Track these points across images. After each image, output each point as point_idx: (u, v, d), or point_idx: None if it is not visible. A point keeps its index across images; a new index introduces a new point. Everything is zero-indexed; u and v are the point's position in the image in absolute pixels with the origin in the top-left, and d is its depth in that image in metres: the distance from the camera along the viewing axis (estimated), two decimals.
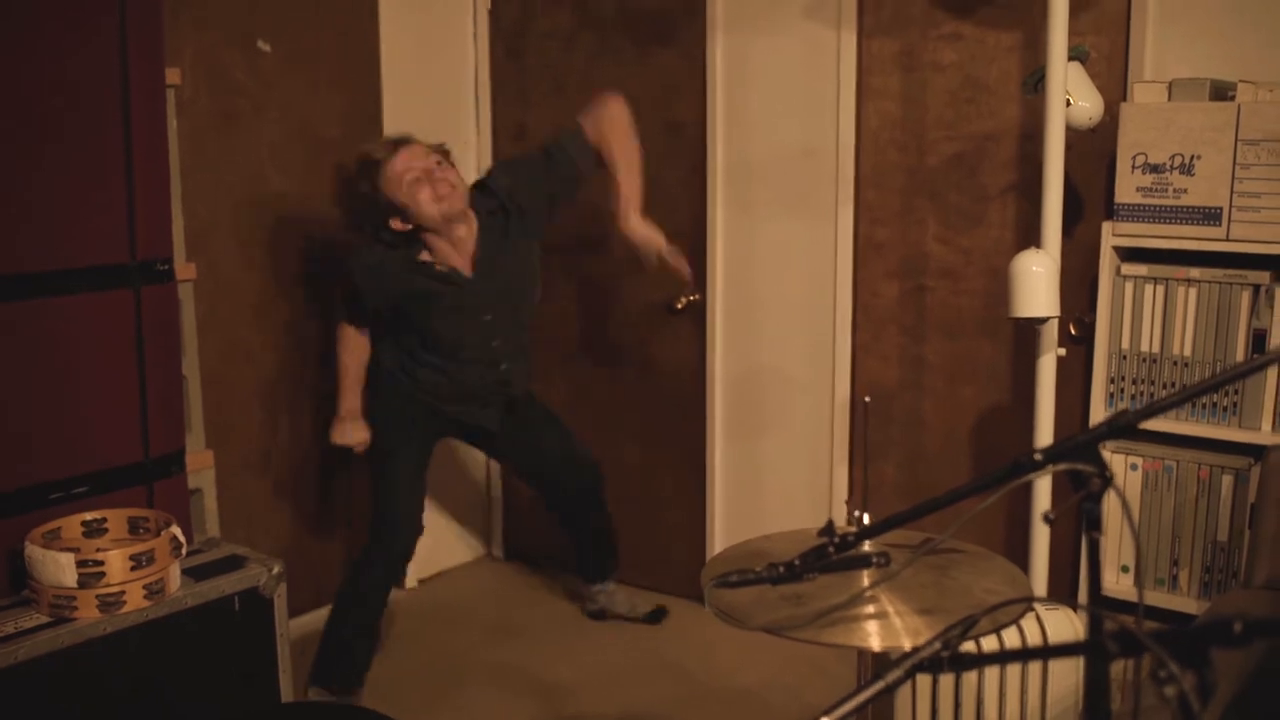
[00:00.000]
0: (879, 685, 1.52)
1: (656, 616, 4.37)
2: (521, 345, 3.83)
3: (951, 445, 3.92)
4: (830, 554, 1.85)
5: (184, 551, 2.97)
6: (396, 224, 3.54)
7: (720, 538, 4.40)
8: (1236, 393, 3.12)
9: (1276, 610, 2.78)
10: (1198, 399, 3.17)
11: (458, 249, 3.62)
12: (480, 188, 3.70)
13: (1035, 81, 3.11)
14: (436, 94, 4.69)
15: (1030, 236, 3.14)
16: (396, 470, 3.81)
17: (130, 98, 3.09)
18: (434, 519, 4.78)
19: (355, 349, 3.82)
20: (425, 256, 3.62)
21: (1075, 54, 3.08)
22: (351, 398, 3.84)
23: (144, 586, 2.80)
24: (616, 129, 3.65)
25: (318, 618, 4.33)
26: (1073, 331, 3.55)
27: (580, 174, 3.69)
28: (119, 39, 3.06)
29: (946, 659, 1.55)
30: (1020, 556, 3.22)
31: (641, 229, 3.62)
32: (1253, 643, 1.33)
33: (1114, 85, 3.40)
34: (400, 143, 3.55)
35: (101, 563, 2.74)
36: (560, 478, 4.15)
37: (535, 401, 4.03)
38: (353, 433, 3.81)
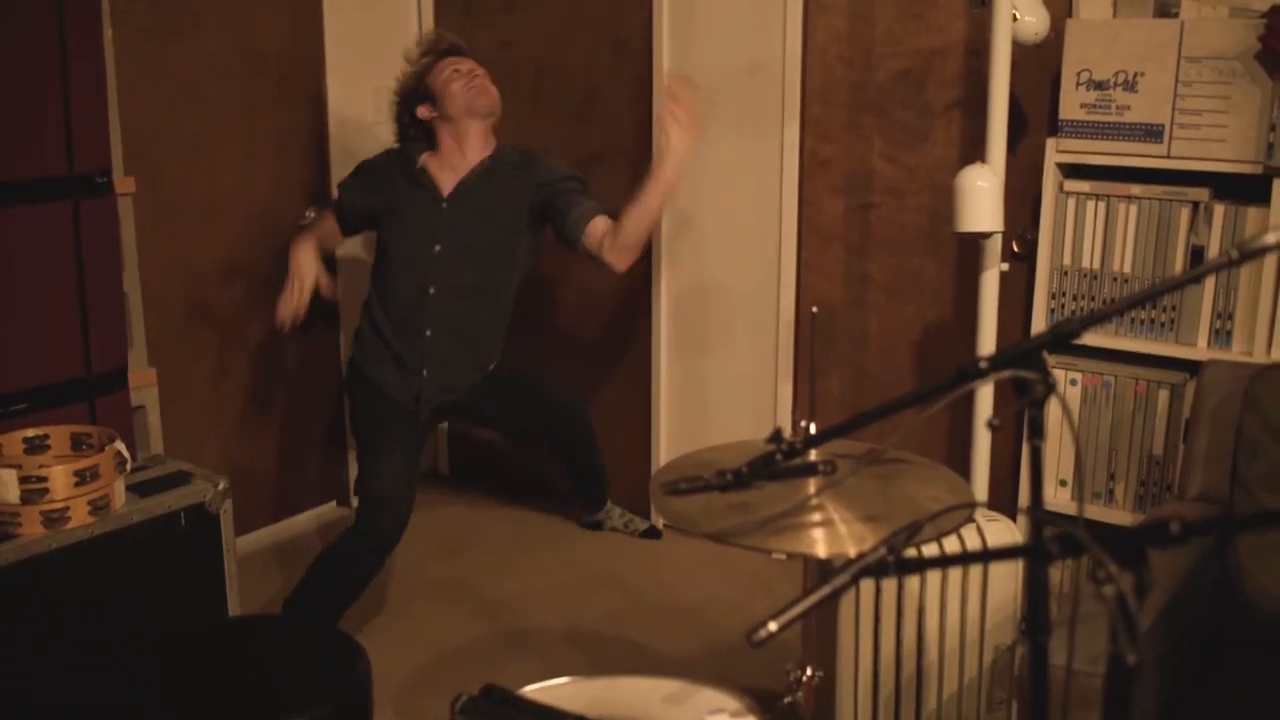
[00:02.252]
0: (825, 590, 1.54)
1: (652, 533, 4.44)
2: (459, 327, 3.81)
3: (895, 361, 3.95)
4: (778, 462, 1.87)
5: (128, 468, 2.96)
6: (424, 110, 3.78)
7: (666, 455, 4.43)
8: (1174, 309, 3.17)
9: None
10: (1133, 314, 3.21)
11: (453, 169, 3.79)
12: (522, 152, 3.88)
13: None
14: (378, 7, 4.62)
15: (975, 153, 3.16)
16: (380, 433, 3.72)
17: (64, 6, 3.03)
18: None
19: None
20: (421, 162, 3.81)
21: None
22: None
23: (89, 502, 2.79)
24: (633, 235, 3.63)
25: (262, 535, 4.35)
26: (1015, 248, 3.58)
27: (562, 221, 3.75)
28: None
29: (892, 563, 1.57)
30: (961, 468, 3.27)
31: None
32: (1188, 543, 1.37)
33: (1060, 1, 3.40)
34: (458, 46, 3.91)
35: (45, 479, 2.72)
36: (543, 427, 4.17)
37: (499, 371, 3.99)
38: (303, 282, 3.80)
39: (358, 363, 3.87)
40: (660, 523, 4.46)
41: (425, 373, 3.77)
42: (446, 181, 3.77)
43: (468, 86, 3.73)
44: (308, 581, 3.50)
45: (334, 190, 4.44)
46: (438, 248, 3.73)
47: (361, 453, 3.72)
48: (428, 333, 3.76)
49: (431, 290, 3.74)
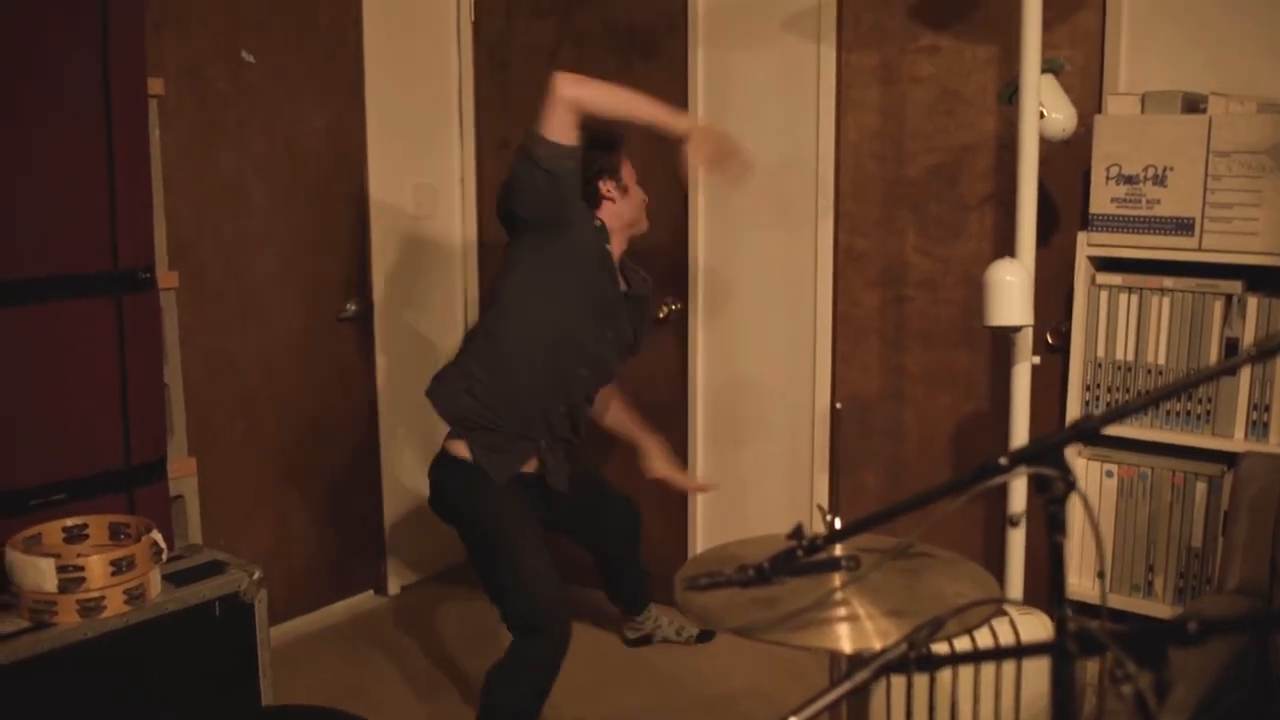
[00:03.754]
0: (847, 685, 1.54)
1: (706, 637, 4.29)
2: (591, 400, 3.69)
3: (931, 454, 3.95)
4: (799, 557, 1.87)
5: (164, 557, 2.99)
6: (607, 185, 3.49)
7: (702, 545, 4.42)
8: (1210, 400, 3.16)
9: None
10: (1169, 406, 3.20)
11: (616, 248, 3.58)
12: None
13: (1009, 93, 3.15)
14: (420, 106, 4.72)
15: (1008, 246, 3.17)
16: (520, 545, 3.39)
17: (112, 106, 3.12)
18: (417, 526, 4.80)
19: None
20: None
21: (1050, 66, 3.11)
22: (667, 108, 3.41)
23: (124, 591, 2.82)
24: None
25: (297, 625, 4.36)
26: (1050, 340, 3.59)
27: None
28: (100, 48, 3.09)
29: (914, 659, 1.57)
30: (997, 561, 3.25)
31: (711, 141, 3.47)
32: (1208, 642, 1.36)
33: (1089, 97, 3.44)
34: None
35: (82, 568, 2.75)
36: (609, 530, 4.02)
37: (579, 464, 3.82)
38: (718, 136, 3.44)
39: (473, 455, 3.46)
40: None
41: (552, 455, 3.57)
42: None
43: (643, 203, 3.58)
44: (490, 704, 3.31)
45: (374, 291, 4.51)
46: (610, 334, 3.57)
47: (499, 564, 3.38)
48: (578, 400, 3.58)
49: (585, 373, 3.56)
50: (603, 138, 3.45)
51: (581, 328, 3.48)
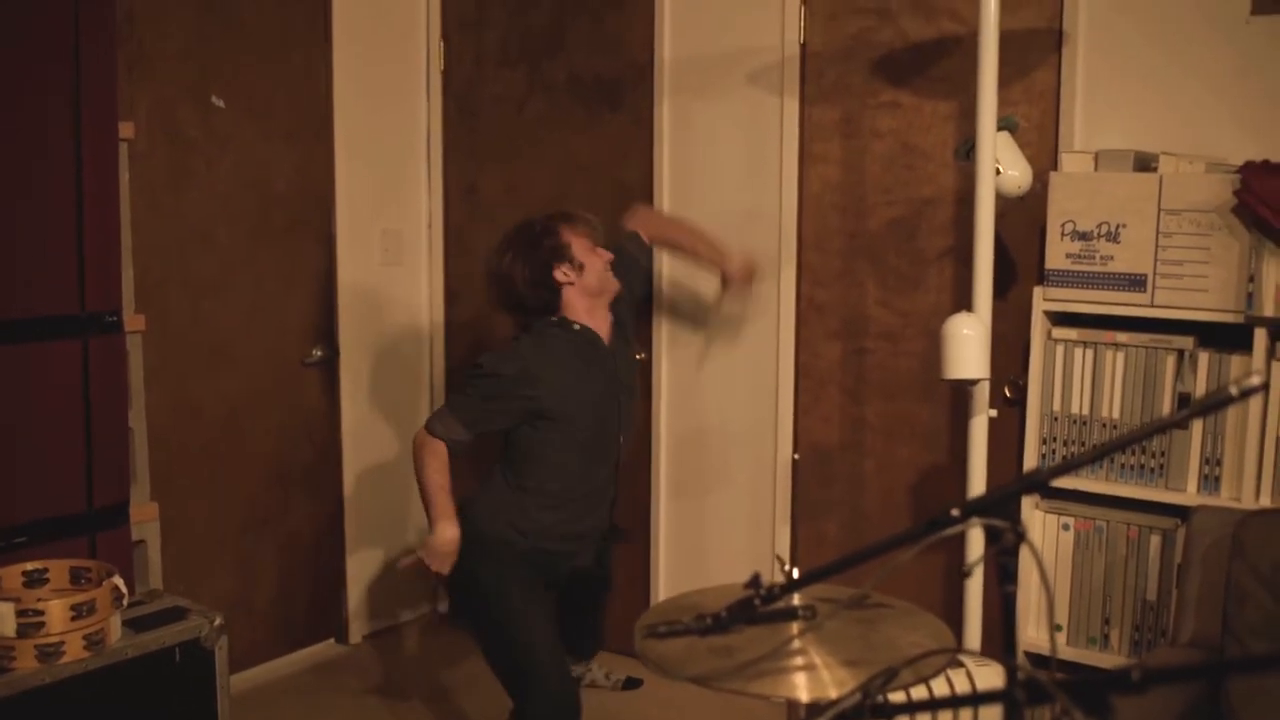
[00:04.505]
0: None
1: (633, 684, 4.32)
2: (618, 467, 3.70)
3: (891, 504, 3.98)
4: (756, 606, 1.89)
5: (125, 602, 2.98)
6: (562, 272, 3.46)
7: (664, 594, 4.43)
8: (1163, 454, 3.21)
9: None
10: (1124, 460, 3.25)
11: (591, 317, 3.55)
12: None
13: (966, 150, 3.21)
14: (388, 151, 4.76)
15: (966, 300, 3.23)
16: (536, 630, 3.41)
17: (82, 150, 3.15)
18: (380, 573, 4.79)
19: (445, 470, 3.40)
20: (566, 315, 3.52)
21: (1005, 124, 3.18)
22: (450, 514, 3.39)
23: (84, 637, 2.81)
24: (660, 216, 3.78)
25: (257, 673, 4.33)
26: (1007, 394, 3.64)
27: (648, 272, 3.82)
28: (72, 92, 3.12)
29: (868, 708, 1.59)
30: (956, 612, 3.28)
31: (747, 267, 3.80)
32: (1149, 690, 1.40)
33: (1045, 154, 3.51)
34: (582, 214, 3.63)
35: (41, 612, 2.75)
36: (591, 580, 3.94)
37: None
38: (446, 559, 3.38)
39: (515, 545, 3.45)
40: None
41: (612, 491, 3.65)
42: (602, 333, 3.57)
43: (605, 266, 3.55)
44: None
45: (340, 337, 4.52)
46: (622, 397, 3.60)
47: (519, 628, 3.39)
48: (612, 491, 3.64)
49: (622, 438, 3.62)
50: (529, 235, 3.51)
51: (604, 435, 3.53)
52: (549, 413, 3.39)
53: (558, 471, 3.45)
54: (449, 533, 3.35)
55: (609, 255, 3.57)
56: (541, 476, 3.45)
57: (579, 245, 3.50)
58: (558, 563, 3.53)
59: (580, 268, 3.48)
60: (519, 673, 3.39)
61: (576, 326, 3.50)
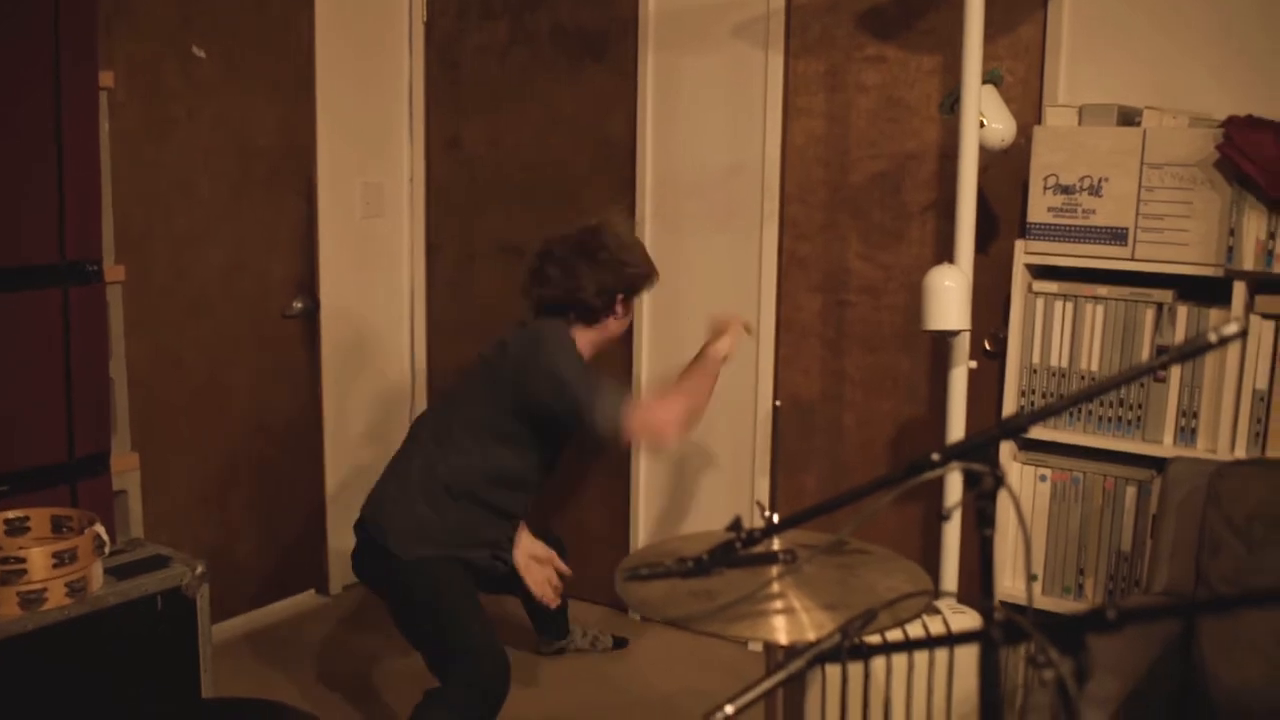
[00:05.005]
0: (781, 674, 1.58)
1: (621, 644, 4.30)
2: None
3: (871, 455, 4.01)
4: (737, 550, 1.91)
5: (107, 550, 2.99)
6: (621, 308, 3.49)
7: (644, 541, 4.46)
8: (1140, 407, 3.23)
9: None
10: (1101, 412, 3.27)
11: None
12: None
13: (950, 103, 3.21)
14: (371, 104, 4.73)
15: (948, 253, 3.24)
16: (456, 593, 3.33)
17: (62, 98, 3.12)
18: None
19: (670, 388, 3.46)
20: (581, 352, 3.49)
21: (990, 78, 3.18)
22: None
23: (66, 584, 2.82)
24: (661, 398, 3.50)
25: (238, 623, 4.35)
26: (987, 346, 3.66)
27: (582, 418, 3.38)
28: (52, 40, 3.09)
29: (847, 649, 1.61)
30: (933, 560, 3.32)
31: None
32: (1124, 628, 1.42)
33: (1029, 109, 3.51)
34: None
35: (23, 559, 2.75)
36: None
37: None
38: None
39: (449, 550, 3.39)
40: (639, 615, 4.48)
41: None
42: None
43: (628, 322, 3.60)
44: None
45: (321, 289, 4.51)
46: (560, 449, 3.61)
47: (448, 623, 3.26)
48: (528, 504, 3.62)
49: (530, 495, 3.60)
50: (644, 269, 3.53)
51: (538, 469, 3.51)
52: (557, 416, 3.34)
53: (517, 474, 3.43)
54: (726, 345, 3.47)
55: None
56: (501, 476, 3.40)
57: (623, 312, 3.52)
58: (476, 567, 3.46)
59: (624, 315, 3.53)
60: (440, 644, 3.27)
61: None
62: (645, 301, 4.34)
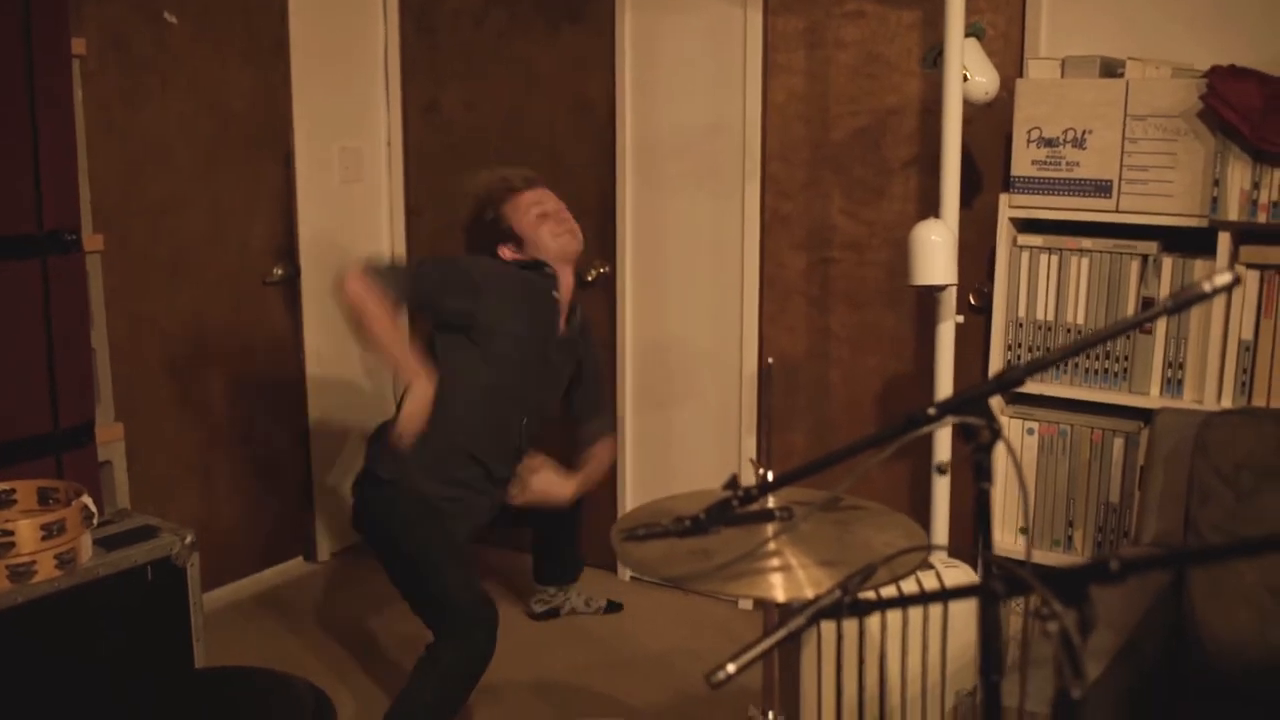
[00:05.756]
0: (782, 632, 1.58)
1: (614, 608, 4.28)
2: (526, 449, 3.64)
3: (858, 412, 4.01)
4: (734, 508, 1.91)
5: (95, 521, 2.97)
6: (507, 252, 3.54)
7: (631, 503, 4.46)
8: (1127, 359, 3.24)
9: None
10: (1088, 365, 3.28)
11: (563, 283, 3.58)
12: (582, 312, 3.77)
13: (933, 57, 3.20)
14: (346, 69, 4.69)
15: (931, 208, 3.23)
16: (444, 554, 3.35)
17: (34, 67, 3.08)
18: (344, 493, 4.79)
19: (394, 320, 3.31)
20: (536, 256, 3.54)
21: (972, 31, 3.17)
22: (420, 367, 3.34)
23: (55, 556, 2.80)
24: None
25: (226, 592, 4.34)
26: (972, 301, 3.66)
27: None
28: (22, 7, 3.04)
29: (847, 604, 1.61)
30: (923, 514, 3.33)
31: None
32: (1126, 580, 1.42)
33: (1011, 62, 3.50)
34: (533, 180, 3.63)
35: (11, 533, 2.73)
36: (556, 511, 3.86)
37: None
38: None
39: (417, 484, 3.42)
40: (627, 575, 4.49)
41: (498, 492, 3.60)
42: (560, 279, 3.58)
43: (558, 232, 3.54)
44: (406, 706, 3.18)
45: (301, 255, 4.47)
46: (542, 383, 3.60)
47: (430, 571, 3.32)
48: (515, 455, 3.59)
49: (525, 420, 3.57)
50: (479, 218, 3.56)
51: (522, 380, 3.49)
52: (479, 327, 3.37)
53: (464, 396, 3.40)
54: (428, 389, 3.30)
55: (560, 216, 3.57)
56: (447, 400, 3.36)
57: (518, 221, 3.53)
58: (450, 515, 3.45)
59: (521, 242, 3.53)
60: (431, 604, 3.31)
61: (545, 269, 3.50)
62: (627, 260, 4.33)
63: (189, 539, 3.11)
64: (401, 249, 4.90)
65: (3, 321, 3.06)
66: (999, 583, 1.55)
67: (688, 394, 4.32)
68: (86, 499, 2.92)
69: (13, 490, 2.98)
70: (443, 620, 3.26)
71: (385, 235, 4.91)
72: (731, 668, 1.50)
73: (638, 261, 4.33)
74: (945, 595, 1.78)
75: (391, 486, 3.41)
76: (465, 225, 3.69)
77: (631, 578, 4.49)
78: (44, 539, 2.77)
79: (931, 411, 1.70)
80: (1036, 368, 1.68)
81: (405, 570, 3.38)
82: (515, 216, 3.54)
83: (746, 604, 4.23)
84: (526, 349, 3.49)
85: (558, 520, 3.94)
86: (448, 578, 3.28)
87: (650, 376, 4.41)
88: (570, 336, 3.65)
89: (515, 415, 3.53)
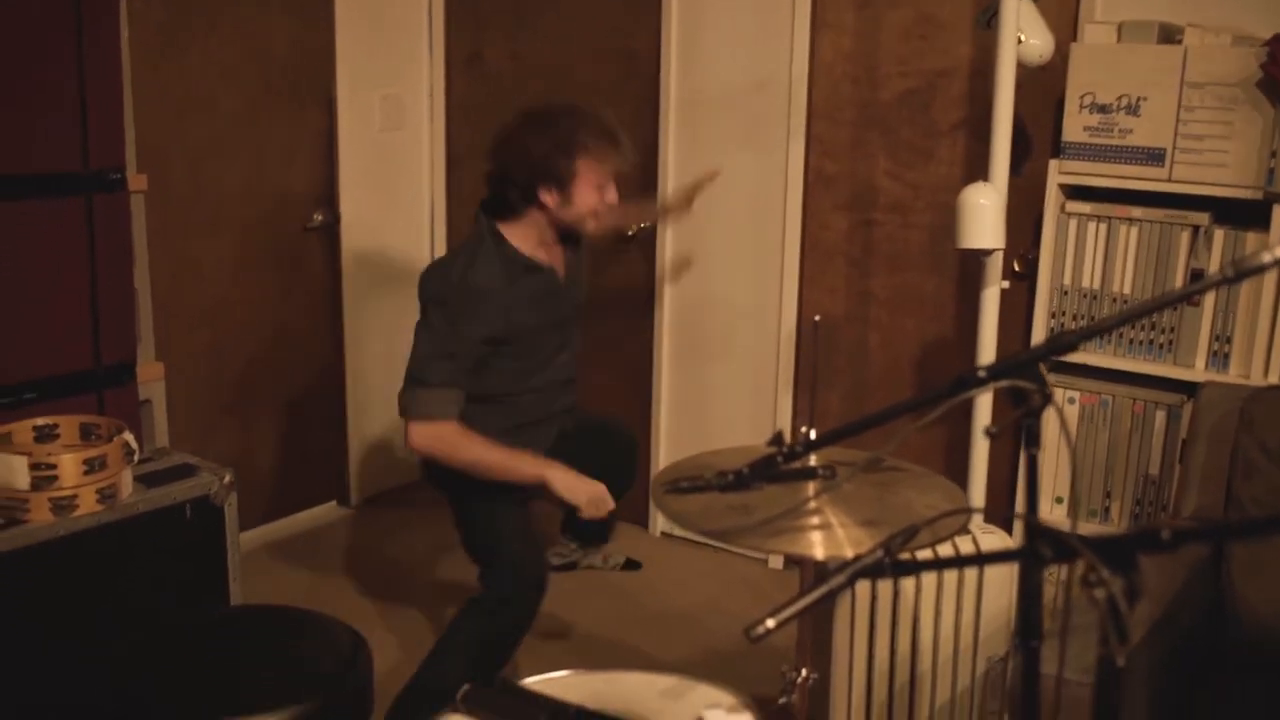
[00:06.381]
0: (823, 589, 1.57)
1: (633, 566, 4.29)
2: (572, 388, 3.48)
3: (895, 376, 3.99)
4: (779, 464, 1.90)
5: (135, 458, 2.99)
6: (549, 196, 3.09)
7: (665, 462, 4.46)
8: (1172, 330, 3.21)
9: None
10: (1132, 335, 3.25)
11: (544, 245, 3.22)
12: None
13: (988, 17, 3.16)
14: (390, 16, 4.67)
15: (979, 173, 3.20)
16: (508, 508, 3.23)
17: (82, 7, 3.08)
18: (381, 437, 4.82)
19: (475, 436, 3.08)
20: (521, 250, 3.17)
21: None
22: (536, 460, 3.12)
23: (97, 491, 2.82)
24: None
25: (259, 533, 4.37)
26: (1016, 268, 3.62)
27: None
28: None
29: (888, 565, 1.60)
30: (958, 480, 3.30)
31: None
32: (1178, 549, 1.41)
33: (1065, 25, 3.45)
34: (620, 141, 3.19)
35: (54, 466, 2.75)
36: (608, 466, 3.55)
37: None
38: (585, 491, 3.09)
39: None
40: (658, 531, 4.50)
41: (570, 397, 3.46)
42: (544, 257, 3.23)
43: (599, 222, 3.21)
44: (446, 653, 3.13)
45: (341, 202, 4.47)
46: (567, 330, 3.38)
47: (487, 529, 3.24)
48: (560, 403, 3.42)
49: (566, 373, 3.41)
50: (548, 140, 3.10)
51: (554, 341, 3.32)
52: (505, 341, 3.15)
53: (510, 389, 3.26)
54: (557, 473, 3.06)
55: (613, 199, 3.20)
56: (498, 397, 3.23)
57: (585, 181, 3.12)
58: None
59: (568, 202, 3.12)
60: (487, 552, 3.23)
61: (521, 255, 3.18)
62: (667, 228, 4.31)
63: (227, 478, 3.13)
64: (441, 198, 4.89)
65: (48, 258, 3.07)
66: (1046, 547, 1.54)
67: (725, 352, 4.31)
68: (128, 435, 2.94)
69: (56, 425, 3.01)
70: (494, 571, 3.21)
71: (426, 185, 4.90)
72: (771, 623, 1.50)
73: (678, 218, 4.31)
74: (989, 558, 1.77)
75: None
76: (517, 129, 3.18)
77: (662, 534, 4.50)
78: (86, 474, 2.80)
79: (982, 374, 1.69)
80: (1090, 333, 1.66)
81: (468, 516, 3.31)
82: (588, 174, 3.10)
83: (776, 563, 4.23)
84: (547, 322, 3.30)
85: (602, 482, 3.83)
86: (502, 525, 3.22)
87: (688, 334, 4.40)
88: (571, 276, 3.38)
89: (561, 365, 3.42)
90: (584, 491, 3.06)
